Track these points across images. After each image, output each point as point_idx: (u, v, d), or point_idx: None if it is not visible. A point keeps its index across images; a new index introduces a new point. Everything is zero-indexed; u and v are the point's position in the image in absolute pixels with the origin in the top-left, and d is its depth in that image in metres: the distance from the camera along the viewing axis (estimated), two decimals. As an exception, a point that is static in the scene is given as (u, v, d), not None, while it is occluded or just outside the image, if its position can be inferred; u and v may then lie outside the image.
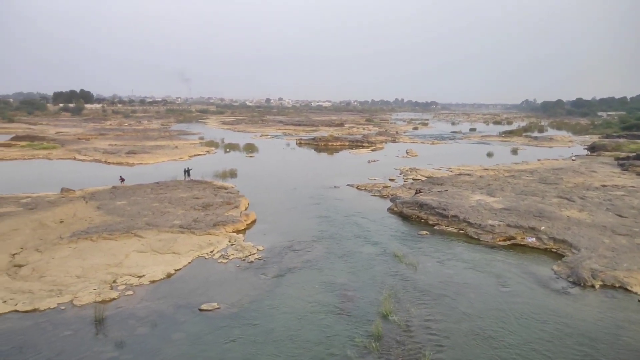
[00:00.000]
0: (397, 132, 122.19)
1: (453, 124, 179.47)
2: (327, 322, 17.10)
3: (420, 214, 32.67)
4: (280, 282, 21.03)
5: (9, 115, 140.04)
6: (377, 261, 24.05)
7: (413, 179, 48.71)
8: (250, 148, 76.08)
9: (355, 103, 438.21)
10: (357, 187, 43.93)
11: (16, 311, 17.27)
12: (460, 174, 49.94)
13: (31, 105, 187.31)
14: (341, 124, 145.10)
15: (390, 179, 48.94)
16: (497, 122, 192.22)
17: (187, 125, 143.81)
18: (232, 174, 49.68)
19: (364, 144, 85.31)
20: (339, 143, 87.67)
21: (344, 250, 25.63)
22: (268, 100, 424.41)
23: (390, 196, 39.54)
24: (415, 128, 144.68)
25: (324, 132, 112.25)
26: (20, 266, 21.49)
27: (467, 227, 29.31)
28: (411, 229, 30.42)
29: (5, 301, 17.88)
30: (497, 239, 27.40)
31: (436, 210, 32.09)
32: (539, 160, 65.56)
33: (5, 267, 21.44)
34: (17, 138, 79.51)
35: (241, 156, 68.75)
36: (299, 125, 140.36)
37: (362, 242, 27.24)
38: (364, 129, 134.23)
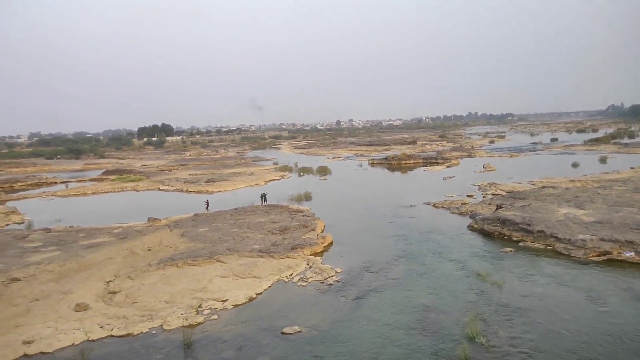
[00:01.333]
0: (472, 146, 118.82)
1: (532, 135, 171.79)
2: (411, 345, 16.65)
3: (503, 230, 31.29)
4: (360, 304, 20.80)
5: (100, 151, 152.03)
6: (459, 280, 23.22)
7: (492, 194, 46.90)
8: (323, 171, 76.83)
9: (427, 120, 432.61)
10: (433, 205, 42.94)
11: (112, 336, 18.25)
12: (543, 187, 47.45)
13: (119, 141, 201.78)
14: (414, 142, 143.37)
15: (468, 195, 47.44)
16: (580, 131, 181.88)
17: (262, 151, 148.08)
18: (307, 197, 50.27)
19: (438, 161, 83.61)
20: (412, 161, 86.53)
21: (424, 270, 24.99)
22: (338, 122, 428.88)
23: (469, 213, 38.28)
24: (492, 141, 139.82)
25: (397, 150, 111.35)
26: (114, 293, 22.80)
27: (555, 243, 27.64)
28: (494, 246, 29.17)
29: (102, 326, 18.98)
30: (590, 255, 25.57)
31: (520, 225, 30.61)
32: (632, 168, 60.99)
33: (101, 294, 22.83)
34: (108, 172, 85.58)
35: (315, 179, 69.53)
36: (371, 145, 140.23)
37: (442, 261, 26.45)
38: (437, 145, 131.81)
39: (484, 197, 46.39)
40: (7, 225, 43.01)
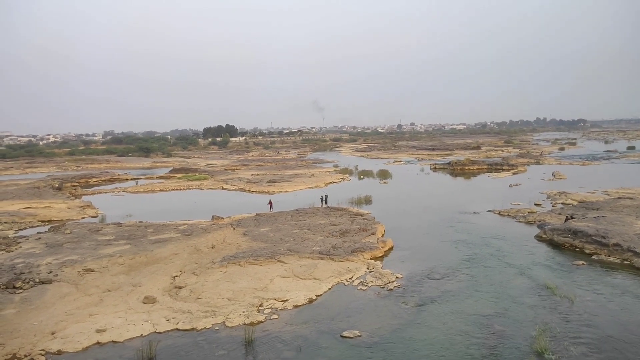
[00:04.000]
0: (540, 153, 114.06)
1: (606, 142, 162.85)
2: (474, 356, 16.12)
3: (574, 242, 29.75)
4: (421, 311, 20.40)
5: (168, 150, 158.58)
6: (526, 292, 22.29)
7: (563, 204, 44.77)
8: (383, 174, 76.22)
9: (492, 124, 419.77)
10: (499, 213, 41.52)
11: (177, 329, 18.87)
12: (619, 198, 44.73)
13: (185, 140, 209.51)
14: (478, 147, 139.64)
15: (536, 204, 45.53)
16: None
17: (322, 153, 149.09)
18: (367, 201, 50.01)
19: (504, 167, 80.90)
20: (476, 167, 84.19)
21: (488, 280, 24.18)
22: (400, 125, 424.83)
23: (537, 222, 36.70)
24: (562, 148, 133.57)
25: (460, 155, 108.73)
26: (180, 288, 23.59)
27: (633, 258, 25.94)
28: (564, 259, 27.80)
29: (168, 320, 19.67)
30: (672, 272, 23.82)
31: (593, 238, 28.98)
32: None
33: (168, 288, 23.69)
34: (175, 170, 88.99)
35: (375, 182, 69.09)
36: (433, 149, 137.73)
37: (507, 272, 25.48)
38: (502, 151, 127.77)
39: (553, 206, 44.40)
40: (82, 218, 45.62)
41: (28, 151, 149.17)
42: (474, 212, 42.26)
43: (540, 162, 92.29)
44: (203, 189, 67.54)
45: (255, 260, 27.45)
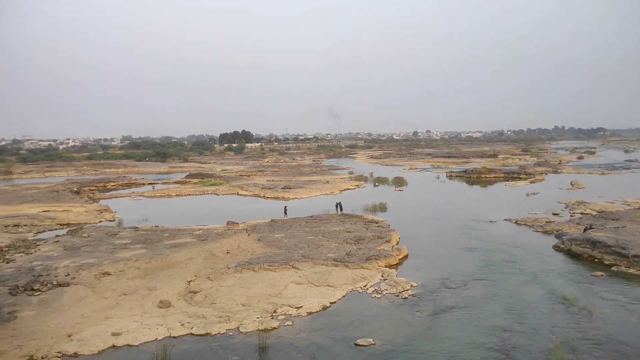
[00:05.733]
0: (559, 161, 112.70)
1: (626, 151, 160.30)
2: (490, 369, 15.90)
3: (593, 252, 29.28)
4: (436, 320, 20.21)
5: (184, 155, 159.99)
6: (543, 303, 21.97)
7: (581, 213, 44.12)
8: (399, 181, 75.89)
9: (509, 132, 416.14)
10: (515, 222, 41.06)
11: (192, 334, 18.94)
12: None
13: (201, 146, 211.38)
14: (494, 155, 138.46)
15: (554, 213, 44.94)
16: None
17: (337, 160, 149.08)
18: (382, 208, 49.82)
19: (521, 176, 79.98)
20: (492, 175, 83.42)
21: (504, 290, 23.87)
22: (415, 133, 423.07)
23: (555, 232, 36.21)
24: (580, 157, 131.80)
25: (476, 163, 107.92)
26: (194, 292, 23.69)
27: (653, 269, 25.45)
28: (582, 269, 27.37)
29: (183, 324, 19.77)
30: (695, 285, 23.30)
31: (613, 249, 28.48)
32: None
33: (182, 293, 23.82)
34: (191, 176, 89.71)
35: (390, 190, 68.82)
36: (449, 157, 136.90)
37: (524, 282, 25.15)
38: (519, 159, 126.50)
39: (571, 216, 43.78)
40: (100, 222, 46.16)
41: (48, 155, 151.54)
42: (490, 221, 41.84)
43: (559, 171, 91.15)
44: (218, 195, 67.89)
45: (270, 266, 27.48)
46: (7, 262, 28.66)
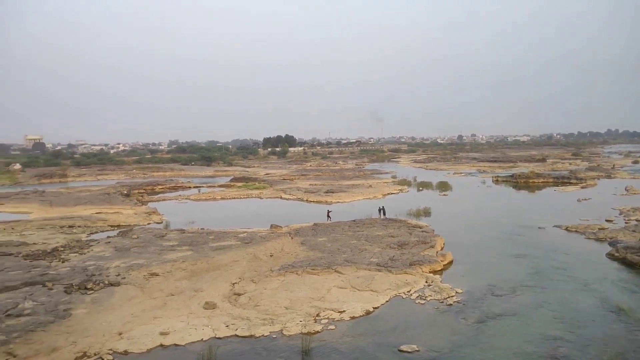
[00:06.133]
0: (612, 166, 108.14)
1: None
2: (539, 380, 15.39)
3: (650, 261, 27.91)
4: (482, 329, 19.74)
5: (229, 159, 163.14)
6: (596, 313, 21.12)
7: (637, 220, 42.14)
8: (443, 186, 74.72)
9: (558, 136, 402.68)
10: (566, 229, 39.64)
11: (236, 335, 19.24)
12: (701, 215, 41.64)
13: (246, 150, 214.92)
14: (543, 159, 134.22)
15: (607, 220, 43.12)
16: None
17: (380, 164, 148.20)
18: (426, 213, 49.16)
19: (571, 181, 77.24)
20: (541, 180, 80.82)
21: (554, 299, 23.08)
22: (460, 137, 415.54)
23: (608, 239, 34.74)
24: (635, 161, 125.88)
25: (523, 168, 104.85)
26: (239, 294, 24.06)
27: None
28: (638, 279, 26.13)
29: (227, 326, 20.11)
30: None
31: (672, 258, 27.09)
32: None
33: (227, 295, 24.23)
34: (235, 179, 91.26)
35: (434, 194, 67.86)
36: (495, 161, 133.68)
37: (575, 291, 24.24)
38: (570, 164, 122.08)
39: (626, 222, 41.89)
40: (148, 224, 47.59)
41: (100, 159, 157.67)
42: (539, 227, 40.58)
43: (612, 175, 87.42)
44: (262, 198, 68.74)
45: (313, 269, 27.58)
46: (63, 262, 29.95)
